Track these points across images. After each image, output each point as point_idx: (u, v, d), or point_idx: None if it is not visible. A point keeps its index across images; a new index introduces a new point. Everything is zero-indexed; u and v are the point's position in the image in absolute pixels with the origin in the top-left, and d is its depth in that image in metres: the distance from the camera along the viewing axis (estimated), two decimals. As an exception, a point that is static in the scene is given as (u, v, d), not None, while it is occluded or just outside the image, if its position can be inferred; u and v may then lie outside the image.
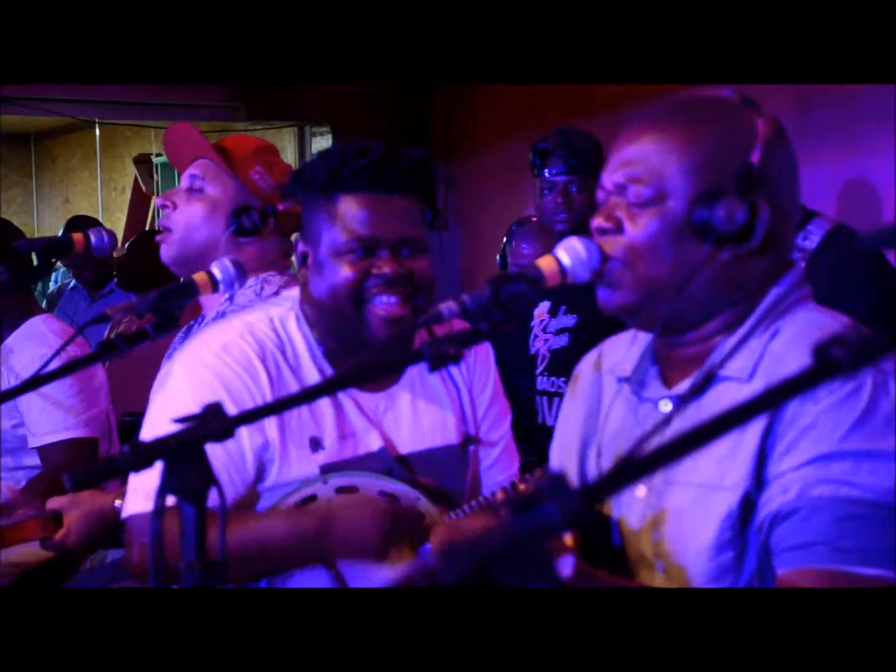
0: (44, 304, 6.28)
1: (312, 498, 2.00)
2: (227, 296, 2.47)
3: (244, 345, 2.04)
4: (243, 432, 1.97)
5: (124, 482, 2.11)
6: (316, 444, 2.03)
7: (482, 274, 5.50)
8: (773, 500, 1.46)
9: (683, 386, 1.60)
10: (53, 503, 2.44)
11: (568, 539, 1.55)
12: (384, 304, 2.00)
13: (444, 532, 1.68)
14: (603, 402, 1.73)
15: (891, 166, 4.03)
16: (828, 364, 0.93)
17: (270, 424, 2.00)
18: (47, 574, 2.66)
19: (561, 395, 2.75)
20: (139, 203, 8.73)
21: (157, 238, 2.63)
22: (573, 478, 1.71)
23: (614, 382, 1.72)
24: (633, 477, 0.94)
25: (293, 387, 2.04)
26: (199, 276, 1.94)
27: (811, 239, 3.26)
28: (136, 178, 8.75)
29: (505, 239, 4.29)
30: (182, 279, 2.05)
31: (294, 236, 2.41)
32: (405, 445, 2.10)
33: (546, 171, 3.48)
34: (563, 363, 3.38)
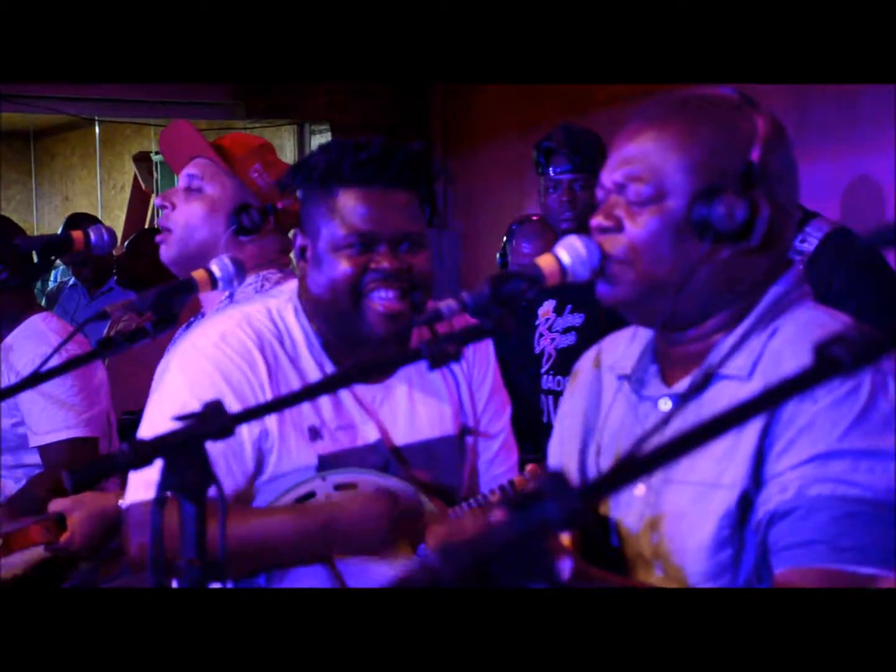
0: (43, 302, 6.27)
1: (311, 494, 2.00)
2: (227, 294, 2.47)
3: (242, 335, 2.05)
4: None
5: (124, 481, 2.11)
6: (315, 434, 2.03)
7: (482, 273, 5.49)
8: (771, 498, 1.46)
9: (683, 384, 1.60)
10: (56, 506, 2.43)
11: (565, 539, 1.55)
12: (382, 299, 2.00)
13: (443, 530, 1.67)
14: (603, 399, 1.72)
15: (891, 165, 4.03)
16: (829, 363, 0.93)
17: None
18: (47, 574, 2.66)
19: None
20: (139, 201, 8.72)
21: (157, 238, 2.61)
22: (573, 476, 1.71)
23: (614, 380, 1.72)
24: (633, 476, 0.94)
25: (291, 377, 2.04)
26: (199, 274, 1.94)
27: (809, 241, 3.19)
28: (135, 176, 8.74)
29: (505, 238, 4.27)
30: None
31: (292, 231, 2.41)
32: (401, 436, 2.10)
33: (551, 169, 3.45)
34: (571, 362, 3.34)
